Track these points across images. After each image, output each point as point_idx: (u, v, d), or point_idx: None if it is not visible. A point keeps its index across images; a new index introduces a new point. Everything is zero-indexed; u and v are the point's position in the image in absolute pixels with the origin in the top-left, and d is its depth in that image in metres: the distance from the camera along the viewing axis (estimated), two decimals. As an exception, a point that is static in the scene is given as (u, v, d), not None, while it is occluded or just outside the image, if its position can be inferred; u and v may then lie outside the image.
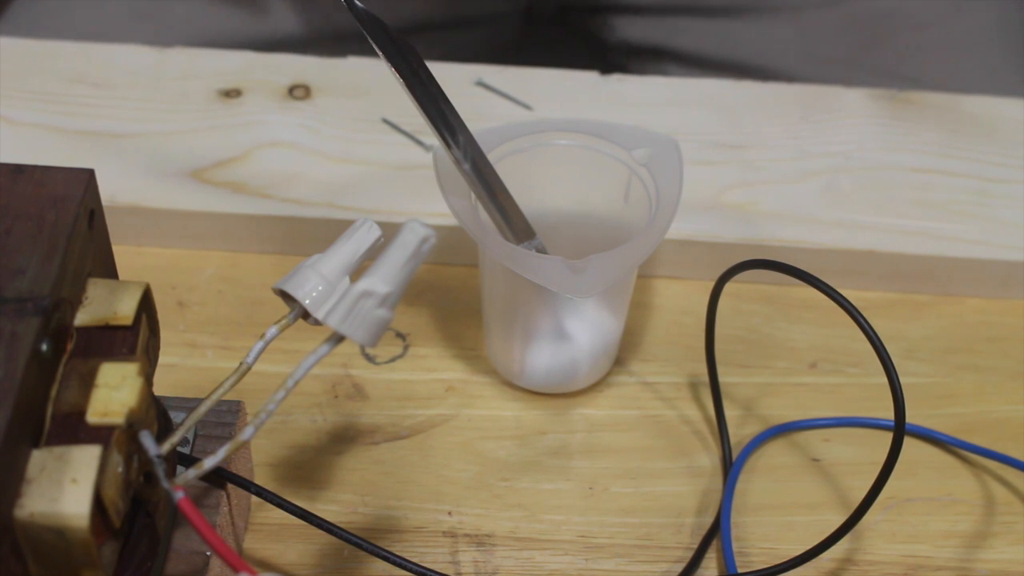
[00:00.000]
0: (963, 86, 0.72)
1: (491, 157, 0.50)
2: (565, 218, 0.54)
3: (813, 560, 0.46)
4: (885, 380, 0.44)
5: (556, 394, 0.54)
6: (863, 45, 0.77)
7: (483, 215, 0.50)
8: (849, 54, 0.77)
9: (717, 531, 0.49)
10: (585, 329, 0.52)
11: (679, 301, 0.58)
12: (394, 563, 0.45)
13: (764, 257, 0.49)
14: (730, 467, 0.51)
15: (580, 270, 0.47)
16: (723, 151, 0.62)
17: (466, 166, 0.48)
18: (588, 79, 0.66)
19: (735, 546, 0.49)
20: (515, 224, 0.50)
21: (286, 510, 0.45)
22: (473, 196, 0.49)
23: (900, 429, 0.43)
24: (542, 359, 0.53)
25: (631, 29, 0.80)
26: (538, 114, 0.64)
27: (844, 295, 0.45)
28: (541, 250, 0.51)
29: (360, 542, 0.44)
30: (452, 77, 0.65)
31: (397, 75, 0.47)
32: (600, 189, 0.52)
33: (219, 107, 0.63)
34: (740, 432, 0.53)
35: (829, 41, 0.78)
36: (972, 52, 0.77)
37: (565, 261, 0.47)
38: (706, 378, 0.54)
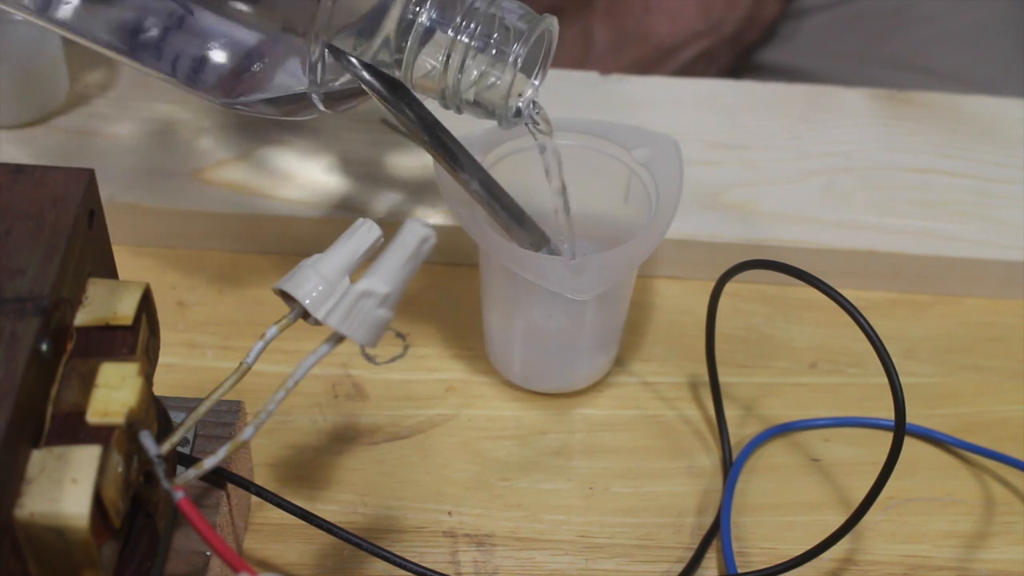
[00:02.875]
0: (973, 76, 0.72)
1: (491, 157, 0.50)
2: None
3: (813, 560, 0.46)
4: (885, 380, 0.44)
5: (556, 394, 0.54)
6: (873, 39, 0.77)
7: (481, 213, 0.50)
8: (859, 48, 0.77)
9: (717, 531, 0.49)
10: (585, 329, 0.52)
11: (679, 301, 0.58)
12: (394, 563, 0.45)
13: (764, 257, 0.49)
14: (730, 467, 0.51)
15: (579, 270, 0.47)
16: (723, 151, 0.62)
17: (474, 186, 0.48)
18: (588, 79, 0.66)
19: (735, 546, 0.49)
20: (532, 231, 0.50)
21: (286, 510, 0.45)
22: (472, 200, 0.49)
23: (900, 429, 0.43)
24: (542, 359, 0.53)
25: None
26: None
27: (844, 295, 0.45)
28: (556, 253, 0.51)
29: (360, 542, 0.44)
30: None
31: (394, 110, 0.46)
32: (600, 189, 0.52)
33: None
34: (740, 432, 0.53)
35: (839, 36, 0.78)
36: (982, 44, 0.77)
37: (565, 261, 0.47)
38: (706, 378, 0.54)
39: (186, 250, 0.59)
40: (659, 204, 0.49)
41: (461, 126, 0.49)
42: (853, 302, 0.44)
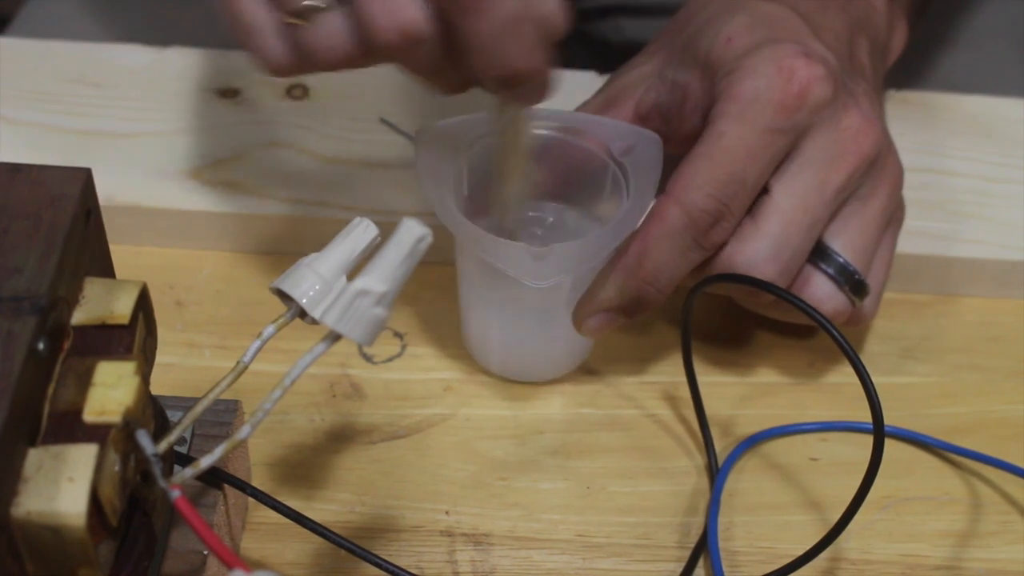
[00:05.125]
0: (973, 78, 0.72)
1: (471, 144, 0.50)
2: (543, 208, 0.54)
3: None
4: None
5: (555, 393, 0.54)
6: None
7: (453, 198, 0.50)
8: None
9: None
10: (560, 317, 0.52)
11: (679, 301, 0.58)
12: (387, 570, 0.44)
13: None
14: (716, 473, 0.51)
15: (541, 257, 0.47)
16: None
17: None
18: (585, 79, 0.66)
19: (733, 545, 0.49)
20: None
21: (280, 512, 0.44)
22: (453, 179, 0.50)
23: (879, 435, 0.43)
24: (517, 347, 0.53)
25: (639, 30, 0.80)
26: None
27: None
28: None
29: (352, 547, 0.44)
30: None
31: None
32: (579, 180, 0.52)
33: (218, 107, 0.63)
34: (738, 432, 0.53)
35: None
36: (982, 45, 0.77)
37: (527, 247, 0.47)
38: (706, 378, 0.54)
39: (184, 250, 0.59)
40: (632, 197, 0.49)
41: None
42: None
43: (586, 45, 0.83)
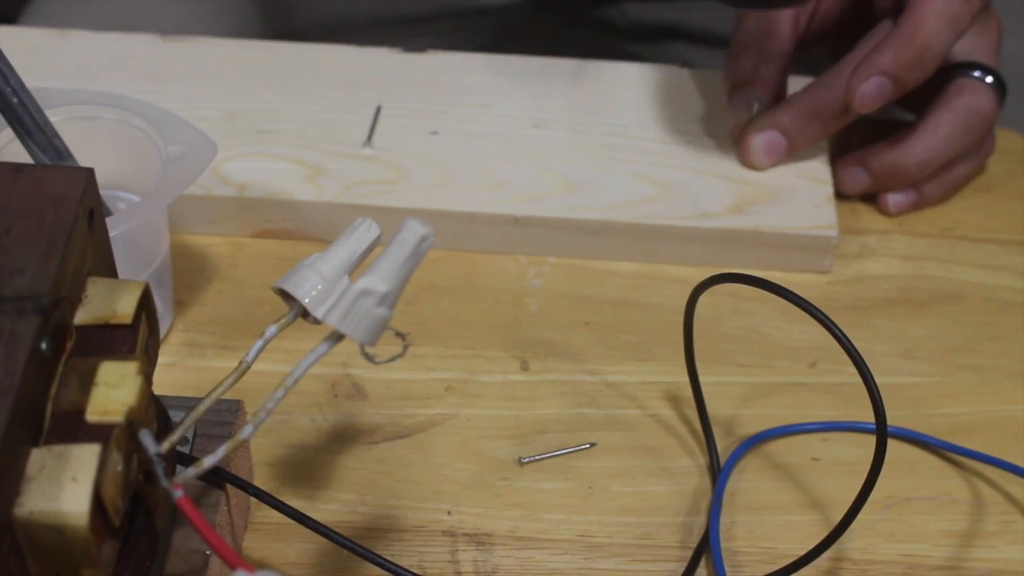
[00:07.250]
0: None
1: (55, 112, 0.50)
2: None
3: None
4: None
5: (551, 388, 0.54)
6: None
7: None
8: None
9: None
10: None
11: (679, 301, 0.58)
12: (389, 570, 0.45)
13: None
14: (718, 473, 0.51)
15: None
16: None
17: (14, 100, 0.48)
18: (591, 66, 0.66)
19: (734, 545, 0.49)
20: (46, 149, 0.50)
21: (282, 512, 0.44)
22: None
23: (882, 436, 0.43)
24: None
25: (642, 11, 0.80)
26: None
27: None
28: None
29: (354, 547, 0.44)
30: (454, 67, 0.65)
31: None
32: (141, 169, 0.53)
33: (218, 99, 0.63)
34: (740, 432, 0.53)
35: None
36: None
37: None
38: (706, 377, 0.54)
39: (185, 249, 0.59)
40: (151, 195, 0.49)
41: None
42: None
43: (592, 29, 0.83)
